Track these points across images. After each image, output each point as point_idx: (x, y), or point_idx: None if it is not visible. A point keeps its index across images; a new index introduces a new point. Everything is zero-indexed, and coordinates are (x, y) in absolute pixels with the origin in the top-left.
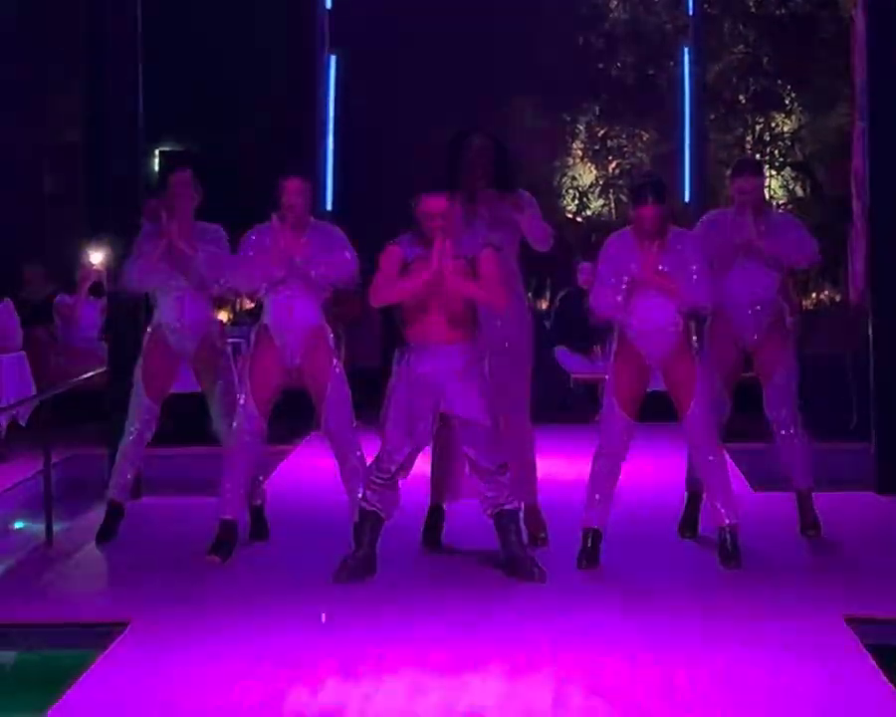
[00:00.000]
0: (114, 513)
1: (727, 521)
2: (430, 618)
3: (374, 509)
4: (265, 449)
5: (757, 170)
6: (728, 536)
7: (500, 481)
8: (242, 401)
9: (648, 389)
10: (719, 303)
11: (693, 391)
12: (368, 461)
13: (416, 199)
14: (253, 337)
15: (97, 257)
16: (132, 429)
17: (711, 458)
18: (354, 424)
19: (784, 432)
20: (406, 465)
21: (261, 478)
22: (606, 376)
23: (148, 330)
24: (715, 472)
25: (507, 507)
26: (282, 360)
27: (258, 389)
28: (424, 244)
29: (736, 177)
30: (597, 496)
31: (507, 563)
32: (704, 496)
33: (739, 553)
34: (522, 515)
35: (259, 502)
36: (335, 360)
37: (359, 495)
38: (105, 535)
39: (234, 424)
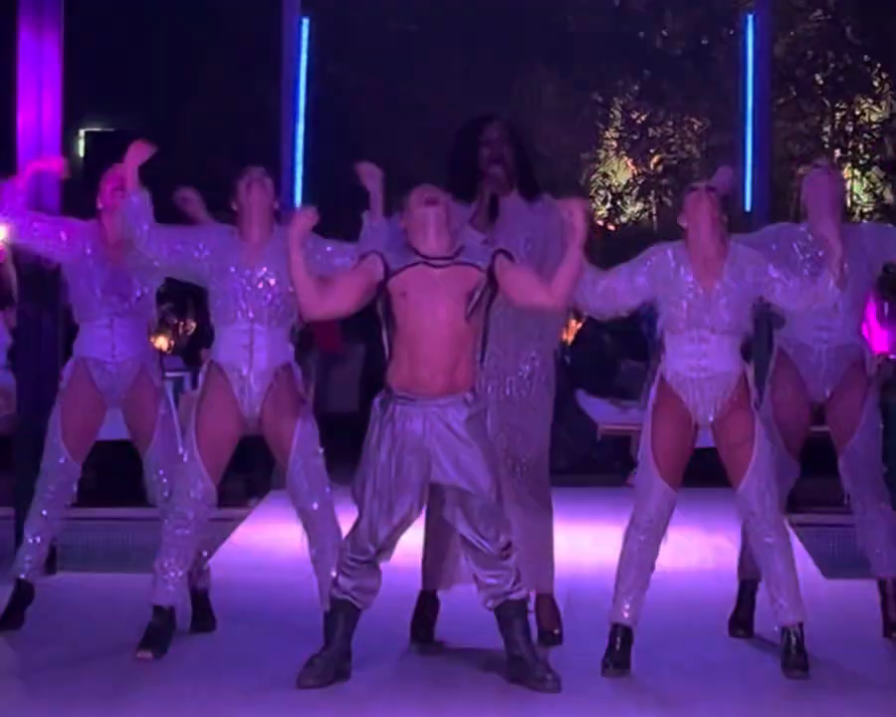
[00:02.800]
0: (22, 595)
1: (791, 619)
2: None
3: (347, 598)
4: (212, 516)
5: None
6: (793, 638)
7: (504, 565)
8: (186, 459)
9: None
10: (785, 344)
11: (751, 456)
12: (344, 533)
13: (406, 201)
14: (202, 377)
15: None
16: (46, 492)
17: (771, 540)
18: (329, 489)
19: (863, 508)
20: (388, 545)
21: (205, 554)
22: (642, 430)
23: (69, 364)
24: (777, 557)
25: (513, 597)
26: (239, 409)
27: (208, 446)
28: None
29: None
30: (629, 584)
31: (512, 666)
32: (762, 585)
33: (806, 659)
34: (532, 605)
35: (202, 586)
36: (303, 409)
37: (332, 578)
38: (7, 623)
39: (175, 487)
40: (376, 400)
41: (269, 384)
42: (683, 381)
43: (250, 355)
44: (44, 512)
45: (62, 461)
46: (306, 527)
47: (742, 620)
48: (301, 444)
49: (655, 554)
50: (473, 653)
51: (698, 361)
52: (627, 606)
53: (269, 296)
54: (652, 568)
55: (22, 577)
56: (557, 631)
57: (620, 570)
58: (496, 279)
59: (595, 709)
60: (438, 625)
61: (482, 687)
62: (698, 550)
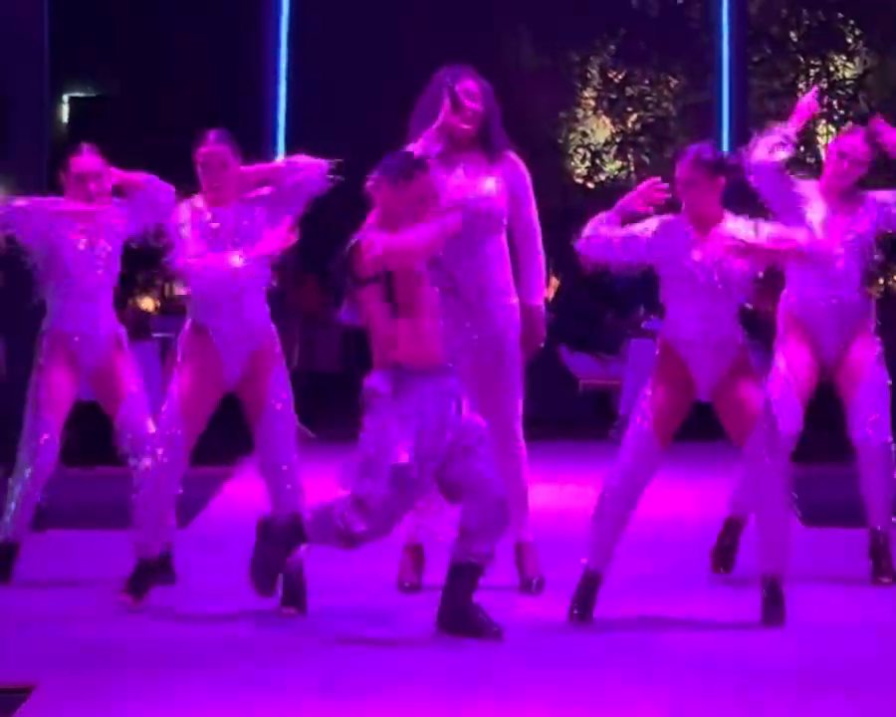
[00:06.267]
0: (8, 554)
1: (771, 569)
2: (402, 686)
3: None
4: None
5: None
6: (772, 587)
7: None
8: (166, 420)
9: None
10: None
11: (757, 409)
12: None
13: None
14: (185, 343)
15: None
16: (29, 460)
17: (773, 493)
18: (296, 457)
19: (868, 459)
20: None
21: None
22: (621, 384)
23: (44, 341)
24: (774, 510)
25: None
26: (222, 375)
27: (190, 411)
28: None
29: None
30: (604, 535)
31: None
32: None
33: (783, 608)
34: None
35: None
36: (281, 371)
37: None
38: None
39: (147, 448)
40: (381, 382)
41: (252, 346)
42: (687, 346)
43: (240, 319)
44: (29, 481)
45: (45, 427)
46: (269, 487)
47: (724, 554)
48: (274, 401)
49: (634, 507)
50: None
51: (702, 326)
52: (600, 556)
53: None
54: (628, 520)
55: (9, 540)
56: (538, 580)
57: (596, 521)
58: None
59: (578, 658)
60: (427, 573)
61: (466, 643)
62: (678, 500)
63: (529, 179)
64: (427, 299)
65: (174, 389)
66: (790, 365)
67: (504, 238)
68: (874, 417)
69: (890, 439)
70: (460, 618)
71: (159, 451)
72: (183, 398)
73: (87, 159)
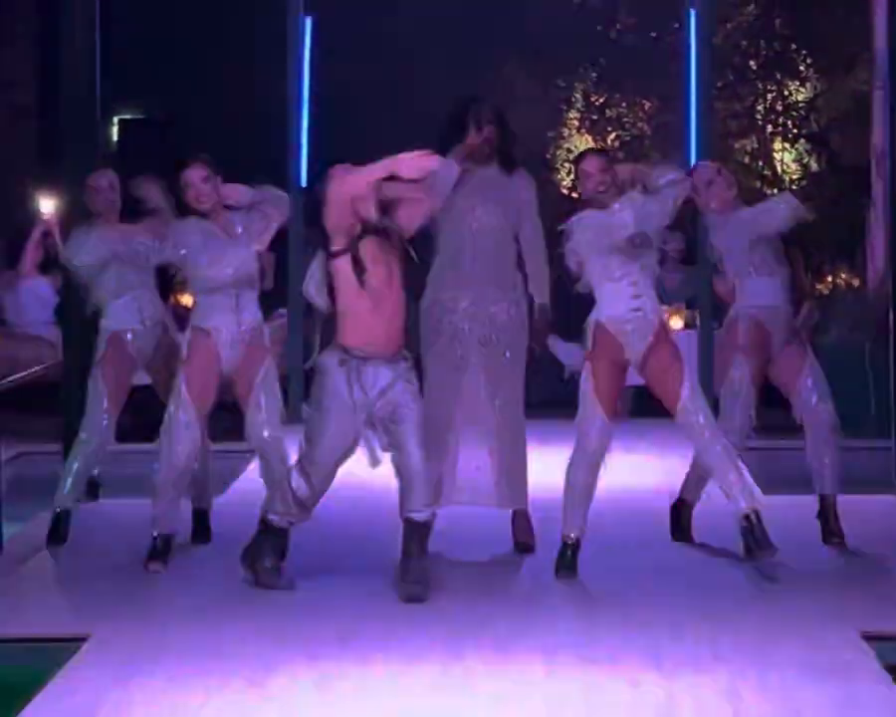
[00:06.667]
0: (64, 520)
1: (745, 505)
2: (412, 635)
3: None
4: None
5: None
6: (753, 522)
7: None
8: (181, 412)
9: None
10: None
11: (682, 375)
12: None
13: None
14: (189, 342)
15: (47, 206)
16: (90, 439)
17: (719, 447)
18: (281, 433)
19: (815, 435)
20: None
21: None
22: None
23: (105, 339)
24: (727, 462)
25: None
26: (220, 367)
27: (199, 398)
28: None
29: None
30: (576, 507)
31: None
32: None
33: (769, 540)
34: (511, 520)
35: (203, 506)
36: (269, 360)
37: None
38: (54, 538)
39: (168, 434)
40: (330, 360)
41: (246, 340)
42: (617, 323)
43: (238, 321)
44: (85, 460)
45: (105, 415)
46: (261, 458)
47: (681, 528)
48: (263, 383)
49: (597, 479)
50: (458, 563)
51: (631, 304)
52: (575, 525)
53: (251, 264)
54: (594, 490)
55: (67, 507)
56: (530, 543)
57: (567, 496)
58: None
59: (566, 610)
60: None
61: (465, 590)
62: (653, 472)
63: (535, 190)
64: (385, 287)
65: (184, 381)
66: (751, 375)
67: (514, 241)
68: (822, 393)
69: (834, 412)
70: (416, 571)
71: (178, 434)
72: (192, 389)
73: (101, 177)
